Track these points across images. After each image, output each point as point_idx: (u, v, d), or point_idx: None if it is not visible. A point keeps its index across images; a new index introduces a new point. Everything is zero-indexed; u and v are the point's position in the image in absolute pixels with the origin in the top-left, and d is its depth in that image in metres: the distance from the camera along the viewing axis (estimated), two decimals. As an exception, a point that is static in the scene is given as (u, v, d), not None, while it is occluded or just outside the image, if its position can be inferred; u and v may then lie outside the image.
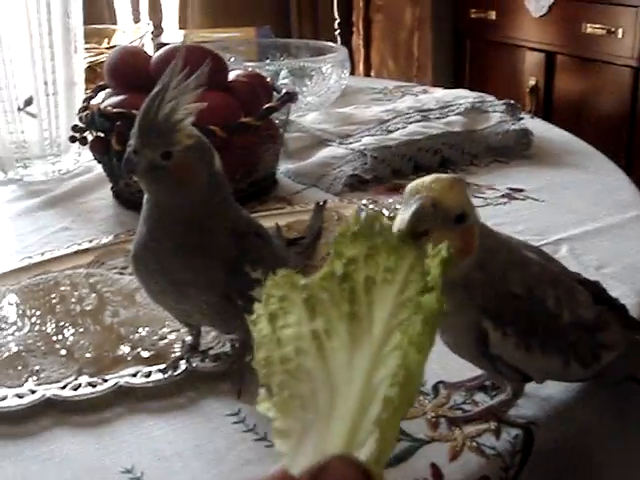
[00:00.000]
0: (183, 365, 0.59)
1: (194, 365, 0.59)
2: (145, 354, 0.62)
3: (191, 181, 0.53)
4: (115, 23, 2.30)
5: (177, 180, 0.53)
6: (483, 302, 0.48)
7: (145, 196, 0.55)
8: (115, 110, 0.87)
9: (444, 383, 0.57)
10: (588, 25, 2.14)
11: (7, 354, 0.62)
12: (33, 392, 0.57)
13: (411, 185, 0.44)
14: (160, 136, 0.51)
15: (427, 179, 0.44)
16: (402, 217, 0.41)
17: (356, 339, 0.31)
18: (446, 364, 0.56)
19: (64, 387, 0.57)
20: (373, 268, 0.32)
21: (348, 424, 0.29)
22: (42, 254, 0.80)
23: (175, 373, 0.58)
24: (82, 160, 1.10)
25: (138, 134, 0.52)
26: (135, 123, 0.52)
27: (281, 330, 0.31)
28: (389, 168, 1.00)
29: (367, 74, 2.79)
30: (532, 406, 0.54)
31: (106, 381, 0.58)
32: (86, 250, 0.80)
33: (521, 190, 0.96)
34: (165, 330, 0.65)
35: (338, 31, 2.29)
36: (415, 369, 0.29)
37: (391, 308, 0.31)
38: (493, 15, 2.50)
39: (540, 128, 1.17)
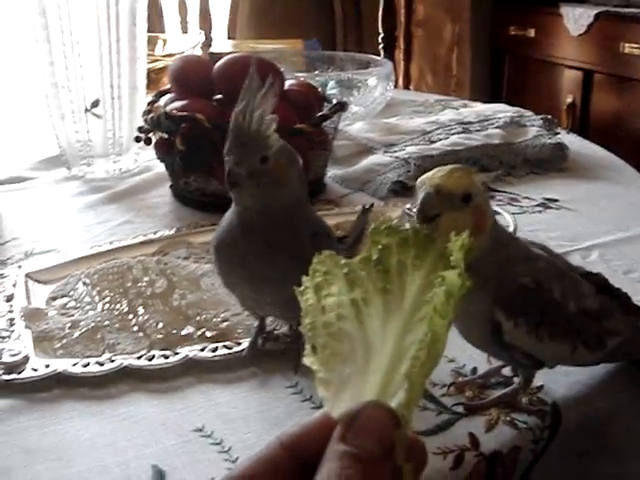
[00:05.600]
0: (246, 343, 0.65)
1: (260, 344, 0.65)
2: (209, 334, 0.69)
3: (287, 182, 0.59)
4: (164, 32, 2.38)
5: (276, 181, 0.58)
6: (495, 293, 0.53)
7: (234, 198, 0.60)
8: (180, 113, 0.94)
9: (455, 383, 0.61)
10: (626, 45, 2.18)
11: (86, 329, 0.69)
12: (112, 361, 0.63)
13: (419, 180, 0.50)
14: (256, 143, 0.57)
15: (431, 172, 0.50)
16: (415, 208, 0.49)
17: (389, 309, 0.35)
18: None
19: (139, 357, 0.64)
20: (404, 255, 0.37)
21: (381, 377, 0.34)
22: (110, 243, 0.87)
23: (239, 349, 0.65)
24: (140, 160, 1.17)
25: (236, 146, 0.56)
26: (229, 138, 0.57)
27: (325, 299, 0.36)
28: (431, 176, 1.06)
29: (406, 87, 2.85)
30: (560, 387, 0.60)
31: (177, 354, 0.64)
32: (150, 241, 0.87)
33: (556, 200, 1.01)
34: (227, 314, 0.72)
35: (381, 45, 2.35)
36: (439, 332, 0.34)
37: (419, 287, 0.36)
38: (532, 33, 2.55)
39: (575, 143, 1.23)
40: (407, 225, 0.38)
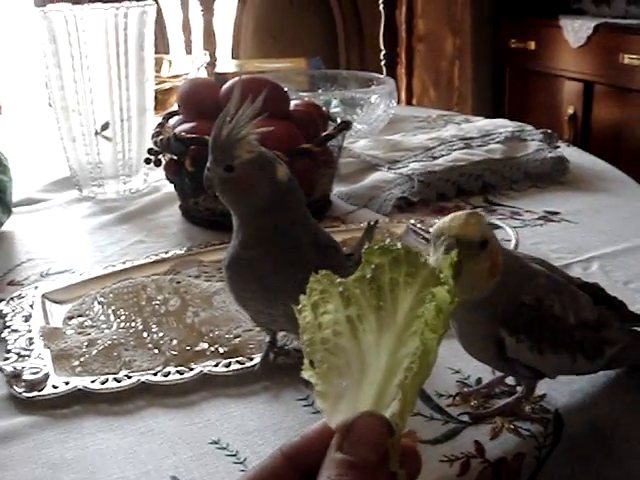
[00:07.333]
0: (258, 358, 0.68)
1: (272, 358, 0.68)
2: (222, 350, 0.71)
3: (253, 190, 0.62)
4: (168, 52, 2.41)
5: (240, 190, 0.62)
6: (499, 315, 0.56)
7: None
8: (189, 135, 0.96)
9: (460, 393, 0.63)
10: (626, 55, 2.21)
11: (103, 347, 0.72)
12: (129, 377, 0.66)
13: (435, 228, 0.52)
14: (223, 152, 0.61)
15: (447, 219, 0.52)
16: (434, 258, 0.50)
17: (382, 325, 0.38)
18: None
19: (155, 374, 0.66)
20: (396, 273, 0.39)
21: (376, 389, 0.36)
22: (123, 263, 0.90)
23: (252, 364, 0.67)
24: (150, 180, 1.20)
25: (210, 153, 0.61)
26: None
27: (321, 316, 0.39)
28: (434, 191, 1.09)
29: (409, 102, 2.88)
30: (562, 395, 0.62)
31: (192, 369, 0.67)
32: (162, 260, 0.90)
33: (557, 213, 1.04)
34: (239, 330, 0.74)
35: (384, 61, 2.39)
36: (430, 344, 0.36)
37: (411, 303, 0.38)
38: (533, 45, 2.58)
39: (576, 156, 1.25)
40: (399, 244, 0.40)
